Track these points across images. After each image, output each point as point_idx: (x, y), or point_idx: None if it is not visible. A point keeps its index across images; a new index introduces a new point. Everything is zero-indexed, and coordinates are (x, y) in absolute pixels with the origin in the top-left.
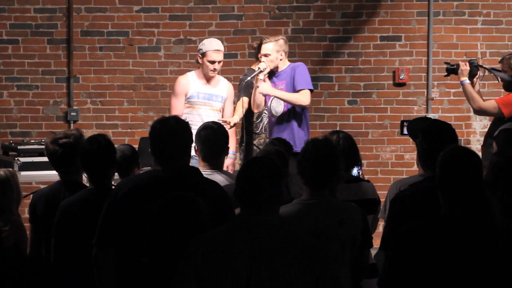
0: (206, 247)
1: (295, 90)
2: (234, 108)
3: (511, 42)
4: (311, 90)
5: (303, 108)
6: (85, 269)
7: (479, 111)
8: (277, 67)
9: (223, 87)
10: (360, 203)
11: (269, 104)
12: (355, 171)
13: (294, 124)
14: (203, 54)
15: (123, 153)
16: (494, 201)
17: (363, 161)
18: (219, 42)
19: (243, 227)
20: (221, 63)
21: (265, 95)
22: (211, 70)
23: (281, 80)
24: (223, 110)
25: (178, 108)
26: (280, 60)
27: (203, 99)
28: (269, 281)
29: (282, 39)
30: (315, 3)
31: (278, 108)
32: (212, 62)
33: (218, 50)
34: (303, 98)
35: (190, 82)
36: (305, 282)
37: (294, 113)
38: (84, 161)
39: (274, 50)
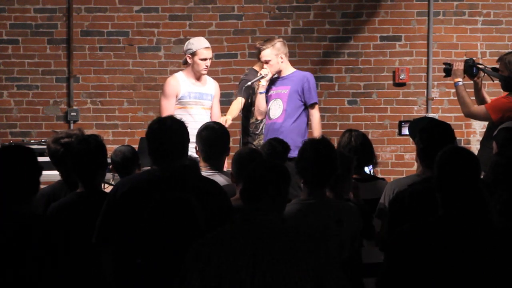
0: (209, 248)
1: (306, 103)
2: (228, 107)
3: (511, 42)
4: (316, 103)
5: (301, 113)
6: (77, 271)
7: (469, 116)
8: (280, 71)
9: (211, 86)
10: (376, 202)
11: (269, 106)
12: (367, 170)
13: (292, 128)
14: (194, 53)
15: (123, 154)
16: (491, 201)
17: None
18: (206, 40)
19: (245, 226)
20: (211, 60)
21: (266, 98)
22: (203, 68)
23: (285, 85)
24: (211, 108)
25: (169, 110)
26: (282, 63)
27: (195, 99)
28: (273, 281)
29: (279, 41)
30: (315, 3)
31: (277, 111)
32: (204, 60)
33: (208, 47)
34: (316, 120)
35: (180, 83)
36: (309, 281)
37: (292, 117)
38: (73, 162)
39: (273, 55)
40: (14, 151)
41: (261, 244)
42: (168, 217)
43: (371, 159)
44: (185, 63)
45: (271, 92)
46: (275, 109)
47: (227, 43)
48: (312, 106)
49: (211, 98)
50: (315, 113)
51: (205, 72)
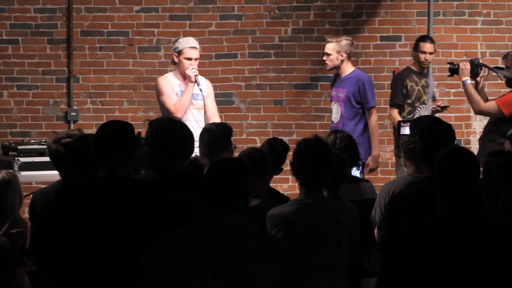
0: (172, 248)
1: (363, 106)
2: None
3: (511, 42)
4: (373, 107)
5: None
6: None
7: (480, 113)
8: (339, 68)
9: (203, 85)
10: (359, 204)
11: (331, 107)
12: (355, 172)
13: (350, 132)
14: (179, 52)
15: None
16: (488, 200)
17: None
18: (194, 40)
19: (209, 227)
20: (197, 61)
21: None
22: (187, 68)
23: (343, 88)
24: (205, 107)
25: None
26: (341, 61)
27: None
28: (236, 280)
29: (346, 39)
30: (315, 3)
31: (337, 115)
32: (189, 59)
33: (194, 47)
34: (372, 124)
35: (171, 82)
36: (271, 282)
37: (350, 121)
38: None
39: (334, 51)
40: (112, 125)
41: (224, 245)
42: (172, 217)
43: (356, 160)
44: (174, 63)
45: (332, 93)
46: (335, 112)
47: (227, 43)
48: (369, 110)
49: (203, 98)
50: (371, 117)
51: (191, 73)
